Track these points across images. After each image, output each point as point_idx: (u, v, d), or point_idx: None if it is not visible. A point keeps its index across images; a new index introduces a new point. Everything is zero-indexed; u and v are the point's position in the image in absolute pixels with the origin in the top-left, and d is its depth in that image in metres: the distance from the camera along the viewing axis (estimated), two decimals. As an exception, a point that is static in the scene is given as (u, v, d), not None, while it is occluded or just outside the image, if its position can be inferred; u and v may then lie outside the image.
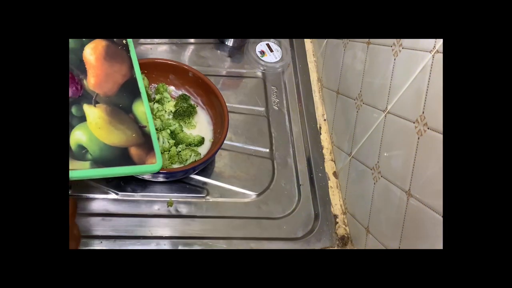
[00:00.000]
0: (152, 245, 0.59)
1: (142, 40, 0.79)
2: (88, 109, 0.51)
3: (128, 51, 0.61)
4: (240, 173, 0.69)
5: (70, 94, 0.51)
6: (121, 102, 0.56)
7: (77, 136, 0.49)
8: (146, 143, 0.54)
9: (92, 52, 0.56)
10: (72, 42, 0.55)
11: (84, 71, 0.54)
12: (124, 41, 0.61)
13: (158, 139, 0.62)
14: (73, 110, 0.50)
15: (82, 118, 0.50)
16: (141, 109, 0.57)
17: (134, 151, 0.52)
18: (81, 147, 0.48)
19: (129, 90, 0.58)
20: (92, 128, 0.50)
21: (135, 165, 0.52)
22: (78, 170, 0.47)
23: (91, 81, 0.54)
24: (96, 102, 0.53)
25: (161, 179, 0.62)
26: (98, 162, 0.48)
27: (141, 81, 0.60)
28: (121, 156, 0.51)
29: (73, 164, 0.47)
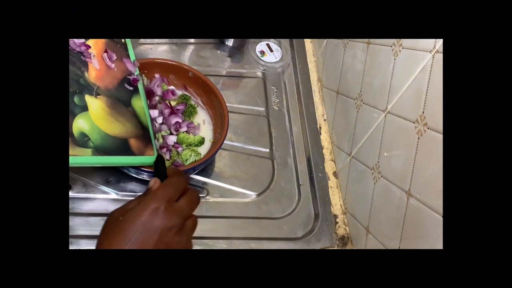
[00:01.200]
0: (152, 245, 0.59)
1: (142, 40, 0.79)
2: (90, 99, 0.53)
3: (126, 49, 0.62)
4: (240, 173, 0.69)
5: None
6: (121, 95, 0.57)
7: (80, 124, 0.50)
8: (144, 136, 0.56)
9: (93, 47, 0.58)
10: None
11: (85, 64, 0.55)
12: (122, 40, 0.63)
13: (157, 139, 0.63)
14: (76, 99, 0.51)
15: (84, 108, 0.51)
16: (139, 103, 0.58)
17: (133, 143, 0.54)
18: (83, 135, 0.50)
19: (128, 85, 0.59)
20: (94, 118, 0.52)
21: (134, 156, 0.53)
22: (81, 156, 0.48)
23: (92, 74, 0.55)
24: (97, 94, 0.54)
25: (161, 179, 0.62)
26: (100, 150, 0.50)
27: (140, 77, 0.61)
28: (122, 146, 0.52)
29: (75, 150, 0.48)
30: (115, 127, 0.53)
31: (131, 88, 0.59)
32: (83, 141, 0.49)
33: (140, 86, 0.60)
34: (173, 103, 0.69)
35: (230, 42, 0.84)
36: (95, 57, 0.56)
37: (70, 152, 0.47)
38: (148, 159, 0.54)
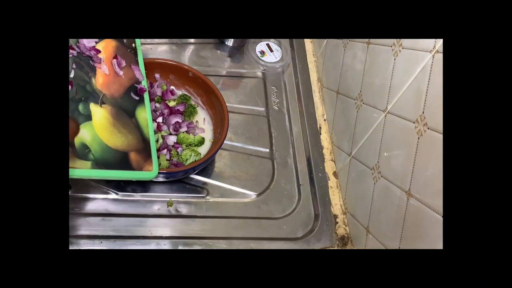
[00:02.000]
0: (152, 245, 0.59)
1: (142, 40, 0.79)
2: (94, 108, 0.52)
3: (136, 54, 0.61)
4: (240, 173, 0.69)
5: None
6: (126, 105, 0.56)
7: (82, 135, 0.49)
8: (145, 149, 0.54)
9: (103, 51, 0.56)
10: None
11: (93, 69, 0.54)
12: (133, 44, 0.61)
13: (157, 140, 0.62)
14: (80, 107, 0.50)
15: (88, 117, 0.51)
16: (143, 115, 0.57)
17: (133, 156, 0.53)
18: (85, 146, 0.49)
19: (134, 94, 0.58)
20: (97, 128, 0.51)
21: (133, 170, 0.52)
22: (80, 169, 0.47)
23: (99, 81, 0.54)
24: (102, 103, 0.53)
25: (161, 179, 0.62)
26: (99, 163, 0.49)
27: (146, 87, 0.60)
28: (121, 160, 0.51)
29: (75, 163, 0.47)
30: (117, 139, 0.52)
31: (137, 98, 0.58)
32: (83, 153, 0.48)
33: (145, 96, 0.59)
34: (173, 103, 0.69)
35: (230, 42, 0.84)
36: (104, 62, 0.55)
37: (70, 164, 0.47)
38: (146, 174, 0.53)
